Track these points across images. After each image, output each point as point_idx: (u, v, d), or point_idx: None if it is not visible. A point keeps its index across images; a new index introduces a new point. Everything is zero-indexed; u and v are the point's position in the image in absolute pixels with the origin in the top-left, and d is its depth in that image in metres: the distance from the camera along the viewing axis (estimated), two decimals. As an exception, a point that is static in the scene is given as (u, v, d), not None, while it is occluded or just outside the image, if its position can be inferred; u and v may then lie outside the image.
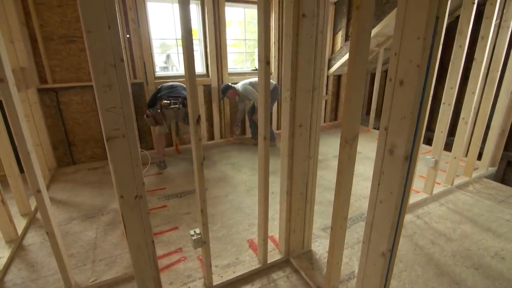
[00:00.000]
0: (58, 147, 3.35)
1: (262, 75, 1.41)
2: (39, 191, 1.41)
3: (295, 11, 1.41)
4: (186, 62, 1.21)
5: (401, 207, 1.03)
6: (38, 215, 2.36)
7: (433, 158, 2.53)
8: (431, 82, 0.91)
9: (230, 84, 3.81)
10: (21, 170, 2.10)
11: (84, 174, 3.24)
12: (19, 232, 2.09)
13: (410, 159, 0.97)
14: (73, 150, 3.44)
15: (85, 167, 3.41)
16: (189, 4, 1.16)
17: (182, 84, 3.43)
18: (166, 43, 5.26)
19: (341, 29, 4.61)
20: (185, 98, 3.15)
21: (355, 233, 2.15)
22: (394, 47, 0.92)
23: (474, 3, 2.16)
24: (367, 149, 3.94)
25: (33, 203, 2.43)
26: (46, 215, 1.44)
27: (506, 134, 3.07)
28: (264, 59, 1.38)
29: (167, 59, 5.93)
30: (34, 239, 2.09)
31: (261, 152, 1.55)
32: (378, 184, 1.07)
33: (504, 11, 2.58)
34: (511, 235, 2.11)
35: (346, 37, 4.57)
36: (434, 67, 0.88)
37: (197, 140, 1.32)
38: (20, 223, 2.20)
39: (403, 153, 0.95)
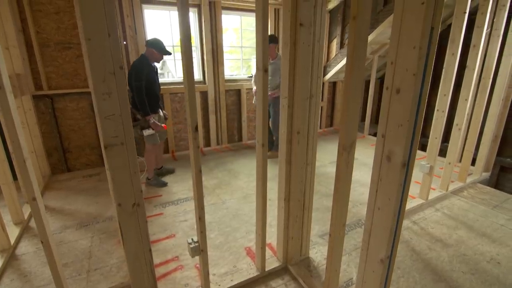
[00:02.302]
0: (53, 154, 3.31)
1: (260, 83, 1.42)
2: (34, 199, 1.39)
3: (292, 20, 1.43)
4: (185, 69, 1.22)
5: (399, 213, 1.04)
6: (32, 224, 2.32)
7: (428, 164, 2.55)
8: (427, 90, 0.93)
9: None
10: (14, 177, 2.08)
11: (79, 181, 3.20)
12: (12, 241, 2.05)
13: (408, 166, 0.98)
14: (67, 157, 3.40)
15: (80, 174, 3.37)
16: (188, 11, 1.17)
17: (135, 65, 2.65)
18: (162, 49, 5.26)
19: (336, 36, 4.68)
20: (132, 100, 2.65)
21: (352, 240, 2.15)
22: (391, 56, 0.94)
23: (465, 12, 2.22)
24: (364, 155, 3.97)
25: (26, 211, 2.39)
26: (41, 224, 1.42)
27: (499, 140, 3.12)
28: (262, 67, 1.39)
29: (163, 65, 5.94)
30: (27, 248, 2.05)
31: (259, 159, 1.56)
32: (376, 191, 1.08)
33: (495, 20, 2.65)
34: (506, 239, 2.14)
35: (341, 45, 4.64)
36: (430, 76, 0.90)
37: (195, 147, 1.32)
38: (13, 232, 2.16)
39: (400, 160, 0.96)
